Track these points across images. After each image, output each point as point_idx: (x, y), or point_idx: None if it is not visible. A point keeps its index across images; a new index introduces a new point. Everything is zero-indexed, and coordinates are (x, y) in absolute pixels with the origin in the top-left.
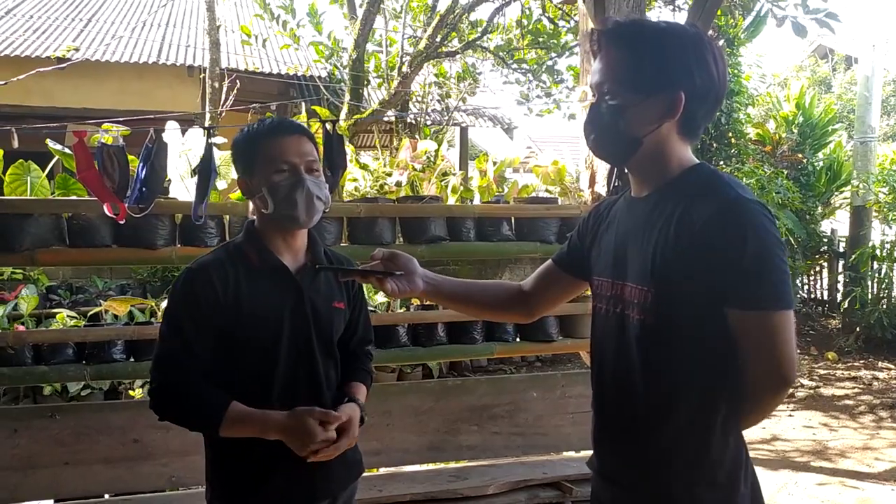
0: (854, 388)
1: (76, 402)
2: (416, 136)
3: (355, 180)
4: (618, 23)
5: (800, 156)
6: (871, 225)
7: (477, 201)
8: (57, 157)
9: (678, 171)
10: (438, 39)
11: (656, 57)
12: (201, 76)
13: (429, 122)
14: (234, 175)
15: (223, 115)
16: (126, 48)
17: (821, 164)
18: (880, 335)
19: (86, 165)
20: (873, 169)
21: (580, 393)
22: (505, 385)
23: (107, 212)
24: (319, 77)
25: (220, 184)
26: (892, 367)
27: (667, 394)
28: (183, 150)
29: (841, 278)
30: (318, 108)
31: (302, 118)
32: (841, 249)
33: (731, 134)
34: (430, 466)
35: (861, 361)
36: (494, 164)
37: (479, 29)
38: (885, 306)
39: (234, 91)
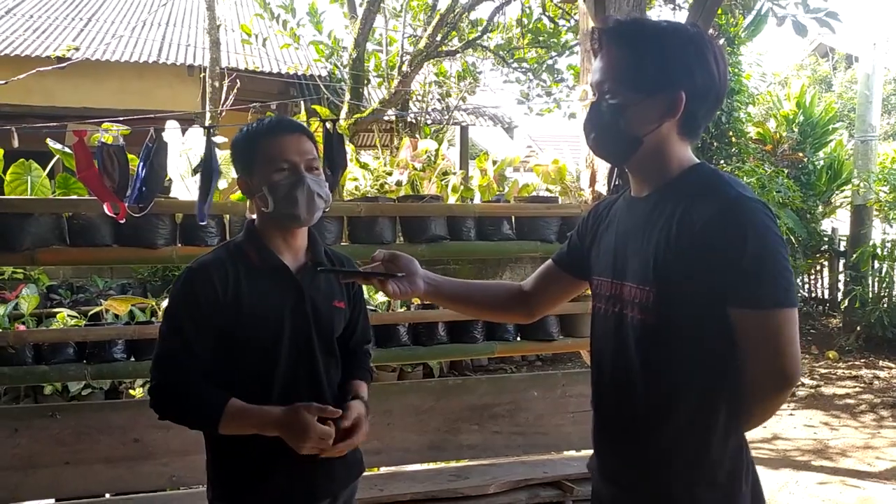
0: (855, 387)
1: (77, 402)
2: (417, 136)
3: (355, 179)
4: (619, 21)
5: (800, 155)
6: (872, 224)
7: (477, 200)
8: (57, 156)
9: (678, 171)
10: (438, 38)
11: (657, 56)
12: (201, 75)
13: (429, 122)
14: (234, 175)
15: (223, 114)
16: (126, 47)
17: (821, 162)
18: (881, 334)
19: (86, 165)
20: (874, 168)
21: (581, 392)
22: (505, 384)
23: (107, 211)
24: (319, 76)
25: (221, 183)
26: (892, 365)
27: (666, 394)
28: (183, 149)
29: (842, 277)
30: (318, 108)
31: (302, 117)
32: (842, 248)
33: (731, 133)
34: (431, 466)
35: (862, 360)
36: (495, 163)
37: (480, 28)
38: (885, 305)
39: (235, 90)
